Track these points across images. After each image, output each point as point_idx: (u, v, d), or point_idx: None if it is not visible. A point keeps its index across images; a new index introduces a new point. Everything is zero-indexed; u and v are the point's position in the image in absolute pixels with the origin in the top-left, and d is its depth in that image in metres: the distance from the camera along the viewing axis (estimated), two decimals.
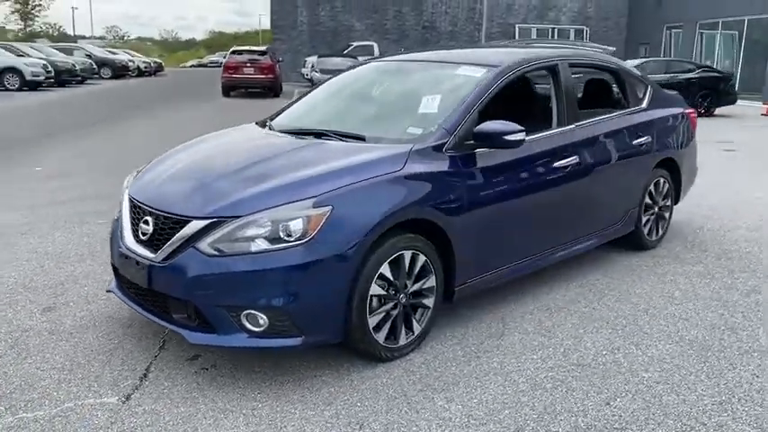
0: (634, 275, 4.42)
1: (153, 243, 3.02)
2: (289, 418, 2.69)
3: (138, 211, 3.18)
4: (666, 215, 5.05)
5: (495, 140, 3.38)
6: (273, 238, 2.80)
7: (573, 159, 3.96)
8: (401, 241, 3.08)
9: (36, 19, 44.20)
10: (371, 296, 2.99)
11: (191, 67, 67.42)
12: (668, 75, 15.94)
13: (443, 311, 3.63)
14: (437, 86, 3.82)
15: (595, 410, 2.78)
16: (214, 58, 63.91)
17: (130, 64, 34.13)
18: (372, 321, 3.03)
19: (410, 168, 3.15)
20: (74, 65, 26.18)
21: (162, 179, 3.34)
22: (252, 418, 2.70)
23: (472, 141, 3.42)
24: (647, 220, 4.85)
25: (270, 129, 3.96)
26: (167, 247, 2.92)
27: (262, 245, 2.79)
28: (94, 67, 29.05)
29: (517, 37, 29.72)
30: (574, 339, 3.46)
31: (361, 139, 3.49)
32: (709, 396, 2.90)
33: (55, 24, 66.74)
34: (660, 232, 5.01)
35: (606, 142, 4.28)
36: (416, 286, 3.21)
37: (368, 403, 2.81)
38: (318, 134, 3.63)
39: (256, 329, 2.83)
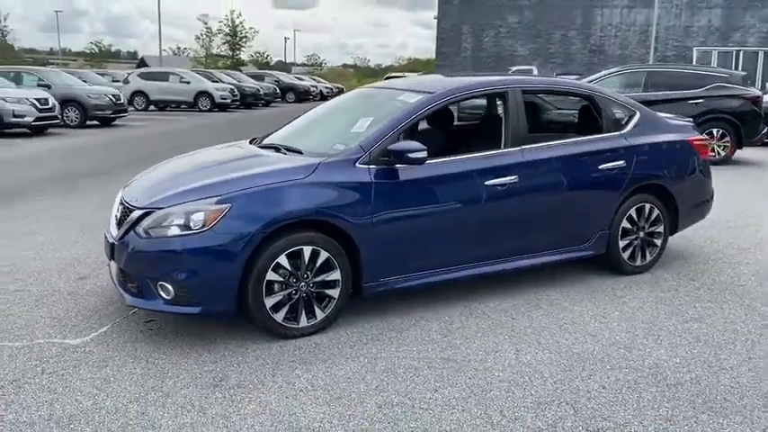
0: (587, 296, 4.55)
1: (119, 226, 3.93)
2: (175, 369, 3.42)
3: (120, 203, 4.13)
4: (657, 242, 5.03)
5: (401, 157, 3.87)
6: (185, 227, 3.56)
7: (511, 179, 4.27)
8: (301, 238, 3.69)
9: (242, 49, 49.97)
10: (268, 281, 3.63)
11: None
12: None
13: (376, 305, 4.17)
14: (378, 110, 4.37)
15: (418, 393, 3.17)
16: None
17: (313, 89, 37.27)
18: (269, 302, 3.66)
19: (315, 177, 3.76)
20: (259, 90, 29.39)
21: (143, 180, 4.28)
22: (150, 364, 3.47)
23: (387, 158, 3.92)
24: (628, 245, 4.89)
25: (257, 144, 4.74)
26: (121, 230, 3.81)
27: (175, 231, 3.57)
28: (278, 91, 32.23)
29: (694, 61, 27.97)
30: (464, 340, 3.80)
31: (299, 152, 4.16)
32: (535, 396, 3.14)
33: (264, 53, 74.33)
34: (648, 258, 5.01)
35: (559, 165, 4.48)
36: (319, 278, 3.78)
37: (243, 366, 3.45)
38: (277, 148, 4.36)
39: (167, 297, 3.61)
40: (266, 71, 40.91)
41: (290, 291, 3.72)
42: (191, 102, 25.64)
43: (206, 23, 49.65)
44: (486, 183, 4.20)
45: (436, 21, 30.51)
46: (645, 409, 3.04)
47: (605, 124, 4.82)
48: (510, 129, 4.39)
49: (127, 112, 19.39)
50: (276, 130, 5.04)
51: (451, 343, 3.76)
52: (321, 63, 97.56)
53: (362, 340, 3.79)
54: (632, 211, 4.86)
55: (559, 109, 5.60)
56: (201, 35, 49.45)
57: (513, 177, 4.28)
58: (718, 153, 11.14)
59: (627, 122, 4.92)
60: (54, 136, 15.61)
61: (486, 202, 4.22)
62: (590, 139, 4.71)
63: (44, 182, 9.05)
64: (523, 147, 4.39)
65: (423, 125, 5.46)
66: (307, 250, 3.71)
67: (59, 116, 16.40)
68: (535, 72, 25.99)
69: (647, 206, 4.91)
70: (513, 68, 27.06)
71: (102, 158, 11.70)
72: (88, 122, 17.89)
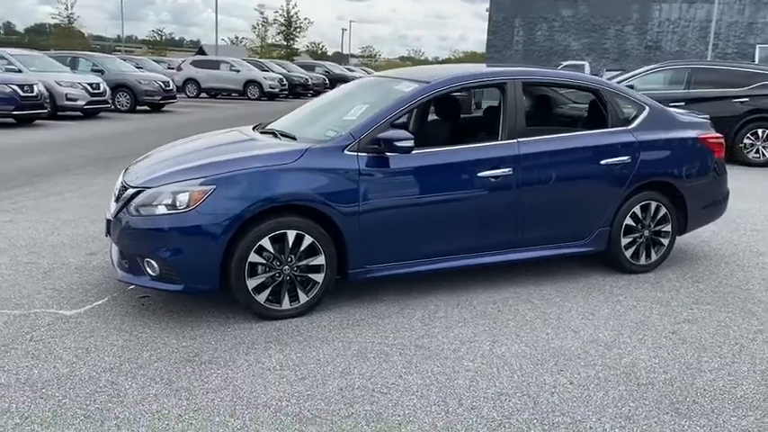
0: (582, 292, 4.47)
1: (116, 204, 4.08)
2: (154, 343, 3.54)
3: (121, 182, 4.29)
4: (664, 241, 4.89)
5: (389, 146, 3.88)
6: (172, 206, 3.67)
7: (505, 171, 4.23)
8: (285, 222, 3.76)
9: (296, 39, 50.54)
10: (251, 263, 3.71)
11: None
12: None
13: (364, 291, 4.23)
14: (375, 98, 4.38)
15: (382, 378, 3.20)
16: None
17: None
18: (252, 284, 3.74)
19: (301, 163, 3.81)
20: (307, 80, 29.71)
21: (144, 160, 4.42)
22: (132, 337, 3.60)
23: (376, 146, 3.95)
24: (632, 243, 4.78)
25: (259, 130, 4.81)
26: (117, 207, 3.95)
27: (162, 210, 3.69)
28: (327, 82, 32.48)
29: (756, 60, 26.85)
30: (444, 329, 3.80)
31: (293, 138, 4.23)
32: (498, 387, 3.13)
33: (319, 43, 75.02)
34: (654, 257, 4.88)
35: (557, 158, 4.41)
36: (303, 262, 3.84)
37: (220, 343, 3.55)
38: (274, 134, 4.45)
39: (153, 274, 3.73)
40: (317, 62, 41.30)
41: (273, 273, 3.79)
42: (240, 90, 26.13)
43: (262, 13, 50.53)
44: (478, 174, 4.18)
45: (488, 13, 30.17)
46: (607, 406, 2.99)
47: (611, 119, 4.71)
48: (507, 120, 4.35)
49: (176, 99, 19.90)
50: (282, 116, 5.12)
51: (429, 331, 3.77)
52: (375, 55, 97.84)
53: (342, 325, 3.84)
54: (637, 209, 4.74)
55: (577, 103, 5.50)
56: (258, 25, 50.24)
57: (507, 170, 4.24)
58: (763, 154, 10.71)
59: (635, 118, 4.80)
60: (104, 120, 16.17)
61: (478, 193, 4.19)
62: (592, 133, 4.62)
63: (83, 162, 9.41)
64: (520, 139, 4.33)
65: (432, 116, 5.49)
66: (291, 234, 3.77)
67: (110, 101, 16.97)
68: (587, 68, 25.51)
69: (654, 204, 4.79)
70: (565, 63, 26.61)
71: (143, 142, 12.05)
72: (138, 107, 18.46)
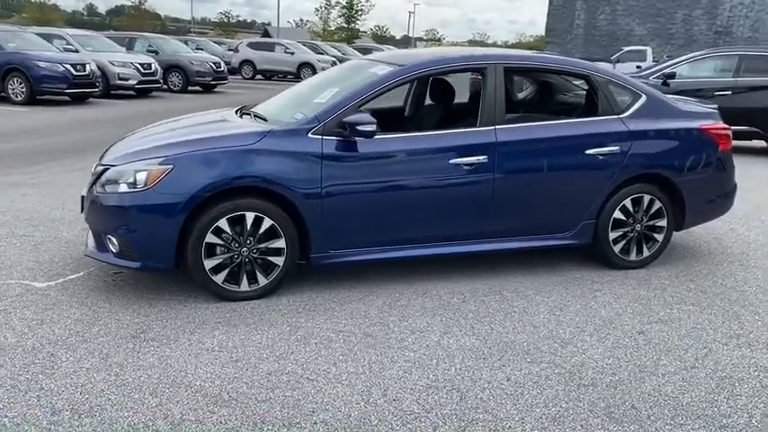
0: (559, 286, 4.31)
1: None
2: (107, 318, 3.61)
3: None
4: (658, 237, 4.65)
5: (352, 130, 3.81)
6: (133, 185, 3.73)
7: (480, 159, 4.10)
8: (244, 204, 3.75)
9: (357, 22, 50.59)
10: (208, 243, 3.74)
11: None
12: None
13: (333, 275, 4.20)
14: (349, 81, 4.30)
15: (316, 365, 3.16)
16: None
17: None
18: (209, 264, 3.77)
19: (262, 145, 3.79)
20: None
21: (124, 140, 4.50)
22: (90, 311, 3.68)
23: (342, 129, 3.89)
24: (621, 237, 4.56)
25: (240, 112, 4.81)
26: (89, 184, 4.04)
27: (124, 188, 3.74)
28: None
29: None
30: (399, 318, 3.73)
31: (264, 119, 4.21)
32: (430, 380, 3.05)
33: (383, 26, 74.92)
34: (646, 253, 4.65)
35: (537, 147, 4.24)
36: (263, 245, 3.84)
37: (170, 321, 3.59)
38: (251, 116, 4.45)
39: (114, 251, 3.81)
40: (375, 45, 41.22)
41: (231, 255, 3.80)
42: (294, 72, 26.38)
43: None
44: (450, 161, 4.06)
45: None
46: (536, 406, 2.87)
47: (602, 107, 4.48)
48: (486, 106, 4.20)
49: (227, 80, 20.25)
50: (270, 98, 5.11)
51: (384, 319, 3.71)
52: (440, 38, 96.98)
53: (298, 309, 3.82)
54: (627, 202, 4.51)
55: (569, 90, 5.28)
56: (320, 8, 50.54)
57: (483, 157, 4.10)
58: None
59: (629, 106, 4.55)
60: (154, 99, 16.64)
61: (450, 180, 4.08)
62: (578, 121, 4.41)
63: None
64: (498, 126, 4.18)
65: (427, 100, 5.38)
66: (249, 216, 3.76)
67: (161, 81, 17.42)
68: (650, 54, 24.47)
69: (647, 197, 4.55)
70: (626, 48, 25.64)
71: None
72: (190, 88, 18.88)
